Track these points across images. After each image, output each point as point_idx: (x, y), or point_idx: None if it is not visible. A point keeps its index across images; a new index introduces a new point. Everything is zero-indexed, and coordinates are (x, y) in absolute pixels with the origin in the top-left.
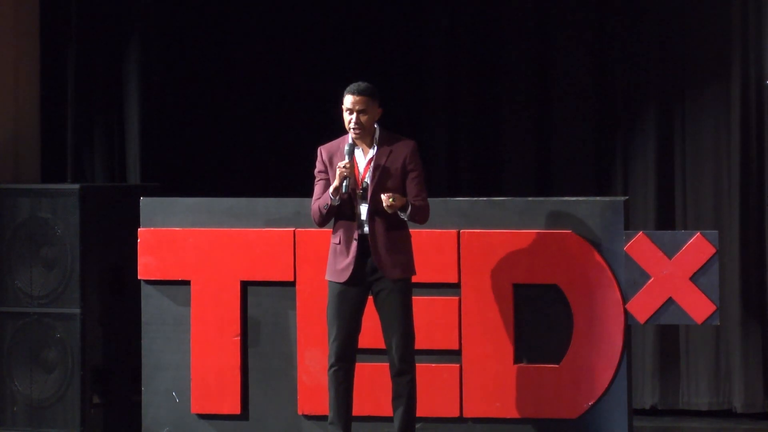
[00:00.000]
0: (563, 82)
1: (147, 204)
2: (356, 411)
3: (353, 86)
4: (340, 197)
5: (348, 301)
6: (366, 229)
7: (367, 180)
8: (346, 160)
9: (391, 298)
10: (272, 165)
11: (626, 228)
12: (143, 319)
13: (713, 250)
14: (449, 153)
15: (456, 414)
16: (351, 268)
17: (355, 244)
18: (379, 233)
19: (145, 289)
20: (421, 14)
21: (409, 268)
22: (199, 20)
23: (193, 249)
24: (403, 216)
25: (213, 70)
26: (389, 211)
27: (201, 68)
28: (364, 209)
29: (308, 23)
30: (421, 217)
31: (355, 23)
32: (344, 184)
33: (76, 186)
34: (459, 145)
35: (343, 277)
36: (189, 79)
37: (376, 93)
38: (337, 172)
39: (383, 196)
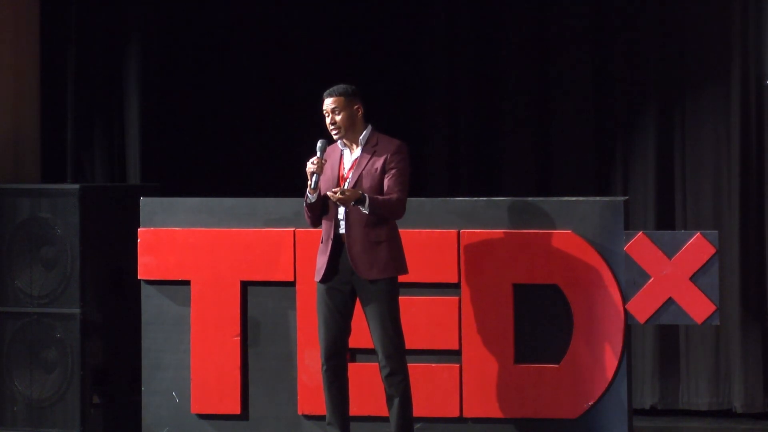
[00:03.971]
0: (563, 82)
1: (147, 204)
2: (355, 411)
3: (327, 90)
4: (317, 193)
5: (331, 301)
6: (342, 229)
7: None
8: (317, 156)
9: (372, 299)
10: (272, 165)
11: (626, 228)
12: (143, 319)
13: (713, 250)
14: (449, 153)
15: (456, 414)
16: (325, 267)
17: (330, 243)
18: (355, 233)
19: (145, 289)
20: (420, 14)
21: (391, 267)
22: (198, 21)
23: (193, 249)
24: (364, 210)
25: (213, 70)
26: (342, 205)
27: (201, 68)
28: (341, 209)
29: (308, 24)
30: (387, 210)
31: (355, 24)
32: (314, 179)
33: (76, 186)
34: (459, 145)
35: (320, 276)
36: (189, 79)
37: (351, 91)
38: (307, 169)
39: (329, 192)
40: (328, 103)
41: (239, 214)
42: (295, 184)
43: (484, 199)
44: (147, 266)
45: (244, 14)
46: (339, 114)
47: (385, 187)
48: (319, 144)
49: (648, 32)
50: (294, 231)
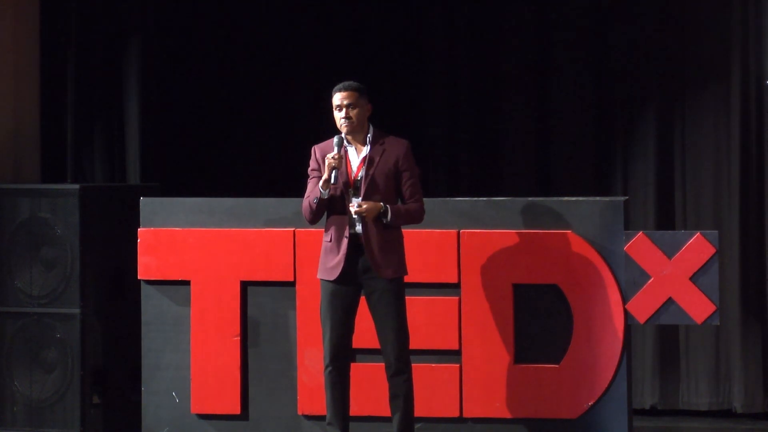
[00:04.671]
0: (563, 82)
1: (147, 204)
2: (355, 411)
3: (339, 84)
4: (329, 190)
5: (340, 301)
6: (358, 227)
7: (360, 177)
8: (335, 151)
9: (385, 298)
10: (272, 165)
11: (626, 228)
12: (143, 319)
13: (713, 250)
14: (449, 153)
15: (456, 414)
16: (341, 266)
17: (345, 241)
18: (372, 232)
19: (145, 289)
20: (421, 14)
21: (402, 267)
22: (198, 20)
23: (193, 249)
24: (385, 221)
25: (213, 70)
26: (365, 216)
27: (201, 68)
28: (354, 208)
29: (308, 24)
30: (410, 219)
31: (355, 24)
32: (333, 174)
33: (76, 186)
34: (459, 146)
35: (333, 275)
36: (189, 78)
37: (364, 89)
38: (326, 163)
39: (350, 207)
40: (342, 97)
41: (239, 214)
42: (295, 184)
43: (484, 199)
44: (147, 266)
45: (244, 14)
46: (353, 108)
47: (406, 195)
48: (335, 140)
49: (648, 32)
50: (294, 231)
